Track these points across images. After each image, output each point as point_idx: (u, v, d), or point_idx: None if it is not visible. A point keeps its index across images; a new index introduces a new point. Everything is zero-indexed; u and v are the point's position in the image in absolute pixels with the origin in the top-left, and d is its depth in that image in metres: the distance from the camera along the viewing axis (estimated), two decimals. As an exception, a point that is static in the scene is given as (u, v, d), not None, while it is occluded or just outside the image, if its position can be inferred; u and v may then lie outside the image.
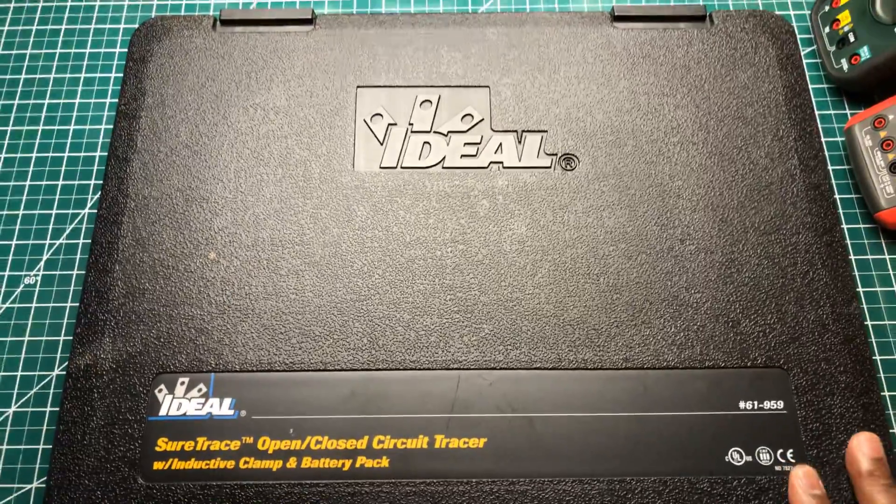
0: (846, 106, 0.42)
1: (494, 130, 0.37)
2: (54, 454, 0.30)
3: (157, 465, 0.30)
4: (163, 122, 0.36)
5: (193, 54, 0.38)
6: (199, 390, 0.31)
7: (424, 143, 0.36)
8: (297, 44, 0.38)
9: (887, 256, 0.38)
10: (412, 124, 0.37)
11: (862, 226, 0.39)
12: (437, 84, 0.38)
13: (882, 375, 0.35)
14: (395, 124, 0.37)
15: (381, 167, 0.36)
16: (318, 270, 0.33)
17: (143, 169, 0.35)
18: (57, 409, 0.35)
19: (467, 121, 0.37)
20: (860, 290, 0.37)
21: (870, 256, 0.38)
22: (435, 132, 0.37)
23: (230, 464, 0.30)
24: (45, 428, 0.35)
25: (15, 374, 0.36)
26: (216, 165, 0.36)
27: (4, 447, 0.34)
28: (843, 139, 0.40)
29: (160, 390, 0.31)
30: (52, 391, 0.35)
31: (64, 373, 0.35)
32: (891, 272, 0.38)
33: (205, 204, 0.35)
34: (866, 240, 0.39)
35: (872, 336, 0.36)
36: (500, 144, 0.36)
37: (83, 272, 0.37)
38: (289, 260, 0.34)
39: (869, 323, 0.37)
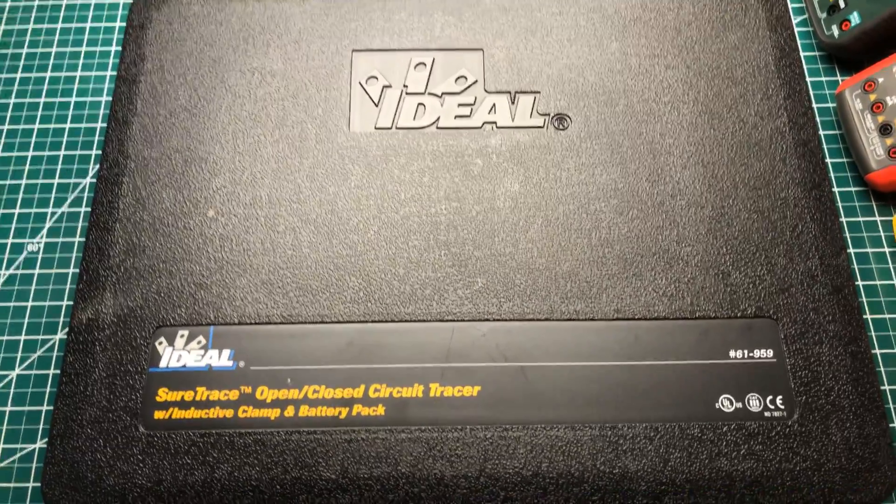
0: (837, 72, 0.42)
1: (488, 91, 0.37)
2: (57, 405, 0.31)
3: (158, 415, 0.31)
4: (162, 87, 0.37)
5: (192, 21, 0.39)
6: (199, 342, 0.32)
7: (419, 104, 0.37)
8: (294, 10, 0.39)
9: (878, 218, 0.39)
10: (407, 86, 0.37)
11: (853, 188, 0.39)
12: (432, 47, 0.38)
13: (873, 334, 0.36)
14: (390, 86, 0.37)
15: (376, 128, 0.36)
16: (314, 227, 0.34)
17: (142, 131, 0.36)
18: (59, 371, 0.35)
19: (461, 82, 0.37)
20: (851, 251, 0.38)
21: (860, 218, 0.39)
22: (429, 94, 0.37)
23: (229, 412, 0.31)
24: (48, 390, 0.35)
25: (18, 337, 0.37)
26: (214, 127, 0.36)
27: (8, 409, 0.35)
28: (835, 104, 0.41)
29: (160, 343, 0.32)
30: (54, 354, 0.36)
31: (66, 337, 0.36)
32: (881, 233, 0.38)
33: (203, 164, 0.35)
34: (857, 202, 0.39)
35: (863, 296, 0.37)
36: (494, 105, 0.37)
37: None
38: (286, 217, 0.34)
39: (860, 283, 0.37)
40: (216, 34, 0.38)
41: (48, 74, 0.43)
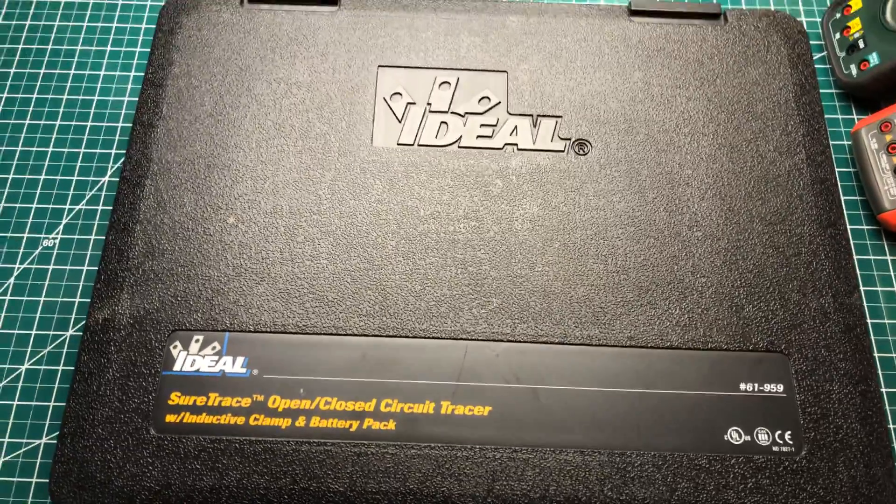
0: (853, 111, 0.43)
1: (510, 114, 0.38)
2: (69, 403, 0.31)
3: (170, 418, 0.31)
4: (188, 92, 0.37)
5: (221, 28, 0.39)
6: (213, 348, 0.32)
7: (442, 122, 0.37)
8: (322, 23, 0.39)
9: (888, 257, 0.39)
10: (430, 104, 0.38)
11: (865, 227, 0.40)
12: (457, 67, 0.39)
13: (880, 373, 0.36)
14: (414, 103, 0.38)
15: (398, 144, 0.37)
16: (333, 239, 0.34)
17: (167, 135, 0.36)
18: (69, 368, 0.35)
19: (484, 103, 0.38)
20: (861, 289, 0.38)
21: (872, 257, 0.39)
22: (452, 112, 0.38)
23: (240, 420, 0.31)
24: (56, 386, 0.35)
25: (30, 332, 0.37)
26: (238, 135, 0.37)
27: (16, 403, 0.35)
28: (850, 143, 0.41)
29: (175, 346, 0.32)
30: (65, 351, 0.36)
31: (77, 333, 0.36)
32: (892, 272, 0.39)
33: (226, 171, 0.36)
34: (869, 241, 0.39)
35: (872, 334, 0.37)
36: (516, 127, 0.37)
37: (101, 237, 0.38)
38: (305, 228, 0.34)
39: (869, 321, 0.37)
40: (244, 43, 0.39)
41: (72, 72, 0.43)
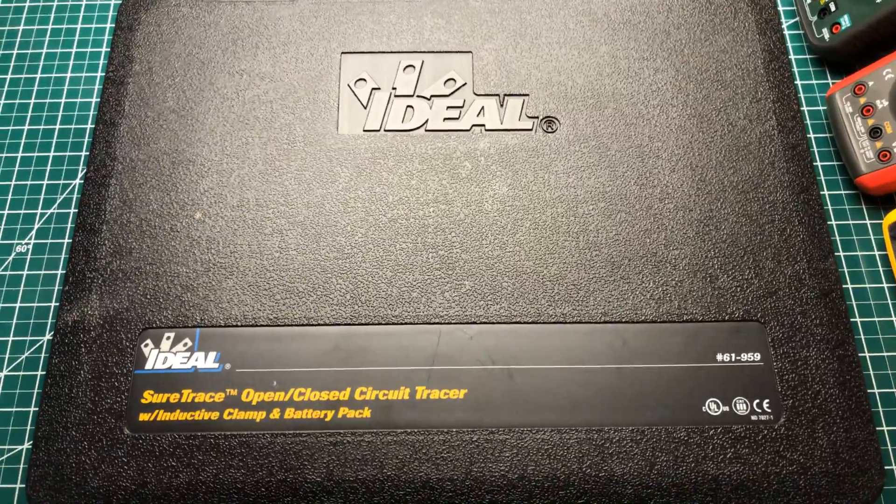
0: (828, 75, 0.42)
1: (477, 94, 0.37)
2: (42, 407, 0.31)
3: (143, 417, 0.31)
4: (150, 88, 0.37)
5: (180, 22, 0.39)
6: (185, 345, 0.32)
7: (407, 106, 0.37)
8: (283, 12, 0.39)
9: (868, 221, 0.39)
10: (395, 89, 0.37)
11: (843, 191, 0.39)
12: (421, 50, 0.38)
13: (862, 337, 0.36)
14: (379, 89, 0.37)
15: (364, 130, 0.36)
16: (302, 230, 0.34)
17: (130, 133, 0.36)
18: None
19: (450, 85, 0.37)
20: (840, 254, 0.38)
21: (850, 221, 0.39)
22: (418, 96, 0.37)
23: (214, 415, 0.31)
24: (35, 391, 0.35)
25: (7, 339, 0.36)
26: (202, 129, 0.36)
27: (-3, 409, 0.35)
28: (825, 108, 0.41)
29: (146, 345, 0.32)
30: (42, 356, 0.36)
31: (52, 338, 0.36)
32: (871, 236, 0.38)
33: (191, 166, 0.35)
34: (847, 205, 0.39)
35: (853, 299, 0.37)
36: (483, 108, 0.37)
37: (74, 240, 0.38)
38: (273, 220, 0.34)
39: (849, 286, 0.37)
40: (205, 36, 0.38)
41: (38, 75, 0.43)
